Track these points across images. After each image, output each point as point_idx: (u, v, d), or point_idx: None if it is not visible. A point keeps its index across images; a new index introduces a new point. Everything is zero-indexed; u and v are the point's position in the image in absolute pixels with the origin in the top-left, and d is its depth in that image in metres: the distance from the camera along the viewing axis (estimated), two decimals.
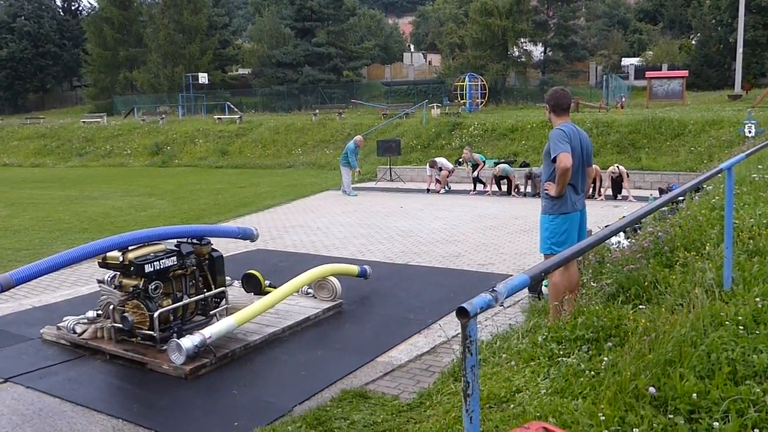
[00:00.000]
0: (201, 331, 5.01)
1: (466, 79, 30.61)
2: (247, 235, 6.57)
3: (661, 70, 37.59)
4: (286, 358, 5.20)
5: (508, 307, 6.16)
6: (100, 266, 5.41)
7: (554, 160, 4.85)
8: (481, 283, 6.98)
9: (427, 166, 16.54)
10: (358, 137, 17.39)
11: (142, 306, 5.19)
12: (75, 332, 5.53)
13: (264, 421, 4.04)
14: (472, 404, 1.88)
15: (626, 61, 45.54)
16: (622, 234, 6.70)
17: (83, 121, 35.91)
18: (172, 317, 5.33)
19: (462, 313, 1.81)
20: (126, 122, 35.02)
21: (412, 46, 59.04)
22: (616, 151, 17.47)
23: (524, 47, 42.71)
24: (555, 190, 4.92)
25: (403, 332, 5.69)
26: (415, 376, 4.77)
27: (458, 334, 5.49)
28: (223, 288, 5.85)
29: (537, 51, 44.69)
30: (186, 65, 44.97)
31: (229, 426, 4.06)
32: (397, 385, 4.61)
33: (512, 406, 3.44)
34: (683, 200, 7.46)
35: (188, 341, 4.85)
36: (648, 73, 32.75)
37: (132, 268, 5.14)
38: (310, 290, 6.60)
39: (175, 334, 5.19)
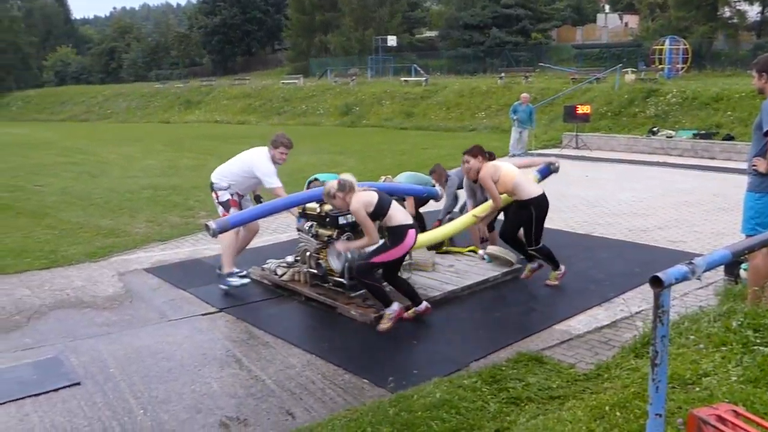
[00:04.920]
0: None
1: (667, 42, 28.27)
2: (432, 195, 6.81)
3: None
4: (465, 315, 5.39)
5: (700, 288, 5.82)
6: (301, 216, 5.95)
7: (766, 134, 4.44)
8: (671, 261, 6.59)
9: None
10: (523, 94, 17.39)
11: None
12: (276, 274, 6.17)
13: (442, 372, 4.26)
14: (659, 374, 1.90)
15: None
16: None
17: (282, 83, 38.58)
18: None
19: (656, 282, 1.82)
20: (320, 83, 37.05)
21: (607, 7, 55.47)
22: None
23: (737, 7, 38.27)
24: (765, 166, 4.52)
25: (582, 303, 5.62)
26: (593, 348, 4.72)
27: (642, 310, 5.34)
28: None
29: (752, 11, 39.80)
30: (376, 28, 46.27)
31: (408, 372, 4.35)
32: (574, 354, 4.61)
33: (698, 389, 3.32)
34: None
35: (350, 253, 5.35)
36: None
37: (327, 219, 5.59)
38: (485, 256, 6.71)
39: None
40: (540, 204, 5.91)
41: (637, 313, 5.31)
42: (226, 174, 6.13)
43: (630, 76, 24.20)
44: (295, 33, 53.82)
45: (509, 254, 6.47)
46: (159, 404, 3.99)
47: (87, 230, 8.75)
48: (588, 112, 17.89)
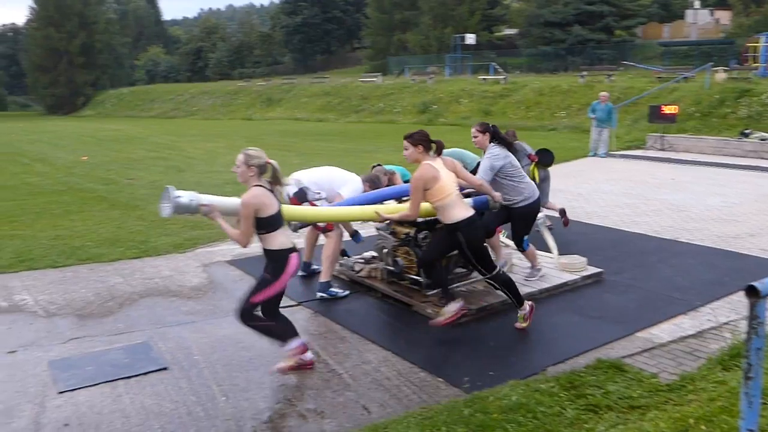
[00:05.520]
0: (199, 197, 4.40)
1: (762, 39, 26.75)
2: (482, 206, 6.73)
3: None
4: (542, 319, 5.30)
5: None
6: None
7: None
8: (764, 271, 6.29)
9: None
10: (602, 93, 17.13)
11: (412, 253, 5.67)
12: (354, 270, 6.26)
13: (518, 375, 4.21)
14: (753, 388, 1.82)
15: None
16: None
17: (361, 80, 38.96)
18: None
19: (752, 292, 1.75)
20: (397, 81, 37.17)
21: (697, 2, 53.09)
22: None
23: None
24: None
25: (666, 310, 5.42)
26: (677, 358, 4.55)
27: (731, 321, 5.10)
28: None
29: None
30: (455, 26, 46.04)
31: (483, 374, 4.32)
32: (656, 364, 4.45)
33: None
34: None
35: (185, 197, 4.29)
36: None
37: None
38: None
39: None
40: (469, 226, 4.75)
41: (725, 323, 5.08)
42: (323, 186, 5.93)
43: (721, 75, 23.07)
44: (374, 31, 54.27)
45: (577, 262, 6.32)
46: (240, 392, 4.13)
47: (174, 222, 9.12)
48: (674, 112, 17.18)
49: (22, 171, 16.10)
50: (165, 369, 4.47)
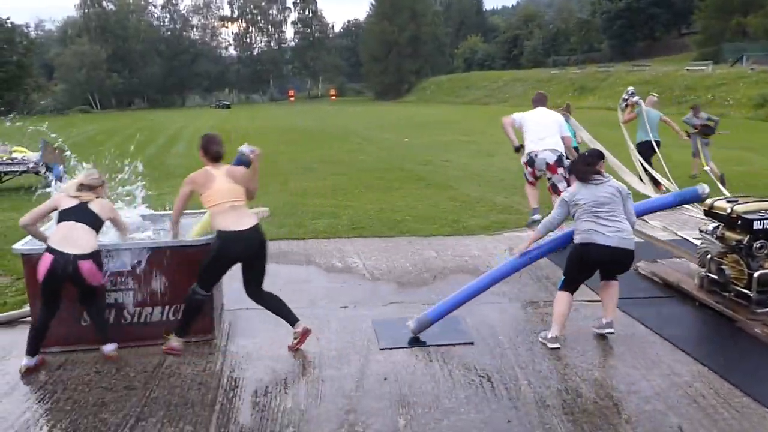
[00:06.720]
0: None
1: None
2: None
3: None
4: None
5: None
6: (705, 215, 5.49)
7: None
8: None
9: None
10: None
11: (742, 262, 5.07)
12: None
13: None
14: None
15: None
16: None
17: (687, 69, 35.64)
18: None
19: None
20: (732, 71, 33.15)
21: None
22: None
23: None
24: None
25: None
26: None
27: None
28: None
29: None
30: None
31: None
32: None
33: None
34: None
35: None
36: None
37: (739, 222, 5.05)
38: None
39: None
40: (226, 240, 4.45)
41: None
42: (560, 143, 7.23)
43: None
44: (709, 15, 48.99)
45: None
46: (542, 379, 4.17)
47: (483, 205, 9.52)
48: None
49: (355, 149, 18.27)
50: (471, 344, 4.72)
